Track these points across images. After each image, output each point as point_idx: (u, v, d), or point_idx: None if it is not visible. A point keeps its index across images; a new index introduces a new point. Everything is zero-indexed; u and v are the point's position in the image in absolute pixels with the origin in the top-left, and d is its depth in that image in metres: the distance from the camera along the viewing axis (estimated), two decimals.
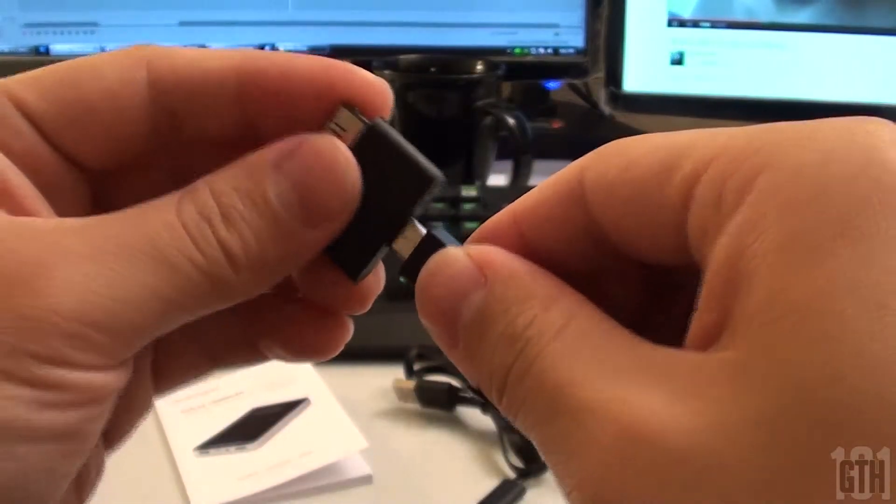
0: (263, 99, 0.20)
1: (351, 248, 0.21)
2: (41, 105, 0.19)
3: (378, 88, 0.21)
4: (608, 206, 0.19)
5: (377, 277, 0.22)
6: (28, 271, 0.16)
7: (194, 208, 0.18)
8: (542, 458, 0.17)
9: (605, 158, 0.19)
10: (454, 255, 0.19)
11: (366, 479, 0.46)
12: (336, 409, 0.50)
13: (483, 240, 0.20)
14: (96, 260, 0.17)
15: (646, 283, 0.19)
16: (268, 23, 0.92)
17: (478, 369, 0.18)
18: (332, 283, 0.21)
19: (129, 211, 0.18)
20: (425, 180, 0.21)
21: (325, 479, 0.46)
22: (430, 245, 0.21)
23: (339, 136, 0.20)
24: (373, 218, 0.20)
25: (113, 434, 0.22)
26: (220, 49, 0.20)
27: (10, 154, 0.18)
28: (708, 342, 0.16)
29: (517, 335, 0.17)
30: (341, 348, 0.23)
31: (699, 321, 0.16)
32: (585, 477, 0.15)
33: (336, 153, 0.19)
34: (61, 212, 0.19)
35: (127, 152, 0.20)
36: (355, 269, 0.21)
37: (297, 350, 0.23)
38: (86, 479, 0.20)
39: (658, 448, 0.14)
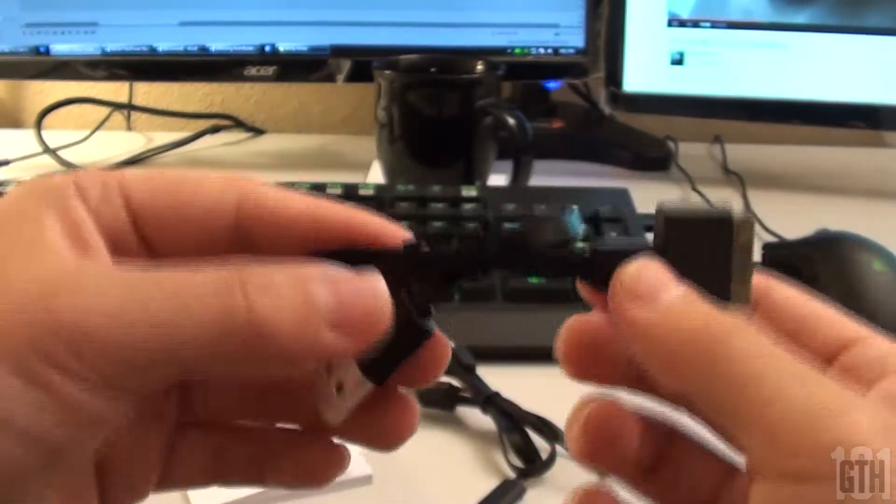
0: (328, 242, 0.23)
1: None
2: (144, 197, 0.21)
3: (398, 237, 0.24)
4: None
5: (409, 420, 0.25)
6: (55, 286, 0.19)
7: (237, 275, 0.20)
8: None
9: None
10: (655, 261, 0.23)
11: (366, 479, 0.46)
12: None
13: None
14: (138, 306, 0.19)
15: None
16: (268, 23, 0.92)
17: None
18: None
19: (175, 265, 0.20)
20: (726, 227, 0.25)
21: None
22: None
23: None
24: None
25: None
26: (298, 195, 0.23)
27: (98, 221, 0.21)
28: None
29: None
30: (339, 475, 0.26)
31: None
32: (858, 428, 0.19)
33: (377, 286, 0.22)
34: None
35: (198, 253, 0.22)
36: None
37: (301, 479, 0.26)
38: None
39: None
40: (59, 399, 0.18)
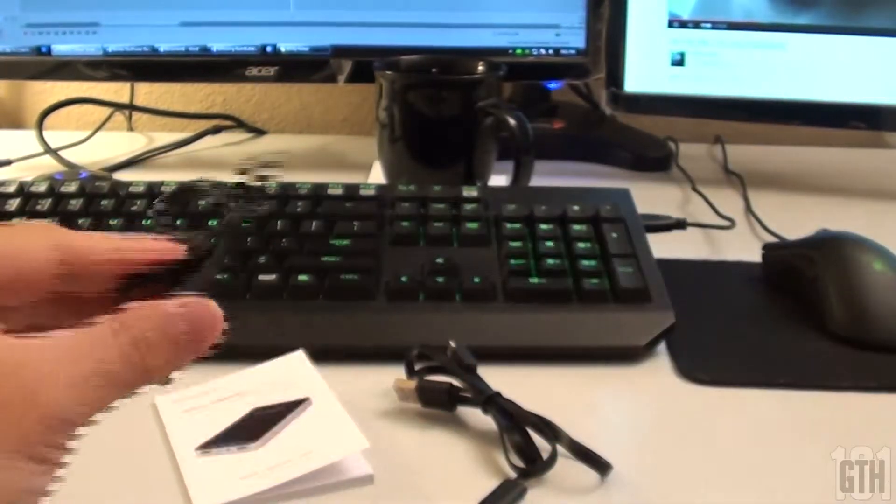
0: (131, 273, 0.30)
1: None
2: None
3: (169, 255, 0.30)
4: None
5: None
6: (34, 392, 0.25)
7: (129, 340, 0.27)
8: None
9: None
10: None
11: (367, 479, 0.46)
12: (337, 408, 0.50)
13: None
14: (75, 385, 0.26)
15: None
16: (269, 23, 0.92)
17: None
18: None
19: (80, 335, 0.27)
20: None
21: (326, 479, 0.46)
22: None
23: None
24: None
25: None
26: (101, 238, 0.30)
27: None
28: None
29: None
30: None
31: None
32: None
33: (216, 311, 0.29)
34: None
35: (37, 299, 0.29)
36: None
37: None
38: None
39: None
40: (45, 461, 0.26)
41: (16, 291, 0.28)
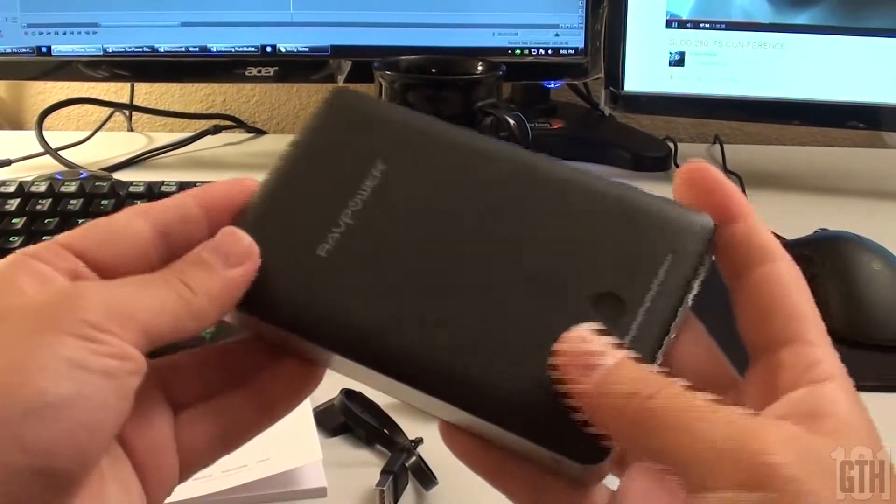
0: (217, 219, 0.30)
1: None
2: (82, 241, 0.29)
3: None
4: None
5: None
6: (78, 295, 0.26)
7: (178, 277, 0.28)
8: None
9: None
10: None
11: (320, 492, 0.45)
12: (307, 418, 0.49)
13: None
14: (126, 289, 0.27)
15: None
16: (269, 23, 0.92)
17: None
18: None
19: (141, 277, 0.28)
20: None
21: (277, 488, 0.45)
22: None
23: None
24: None
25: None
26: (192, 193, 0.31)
27: (55, 267, 0.28)
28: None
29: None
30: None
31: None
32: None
33: (235, 232, 0.29)
34: None
35: (132, 265, 0.29)
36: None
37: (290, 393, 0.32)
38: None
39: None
40: (101, 342, 0.26)
41: (118, 249, 0.29)
